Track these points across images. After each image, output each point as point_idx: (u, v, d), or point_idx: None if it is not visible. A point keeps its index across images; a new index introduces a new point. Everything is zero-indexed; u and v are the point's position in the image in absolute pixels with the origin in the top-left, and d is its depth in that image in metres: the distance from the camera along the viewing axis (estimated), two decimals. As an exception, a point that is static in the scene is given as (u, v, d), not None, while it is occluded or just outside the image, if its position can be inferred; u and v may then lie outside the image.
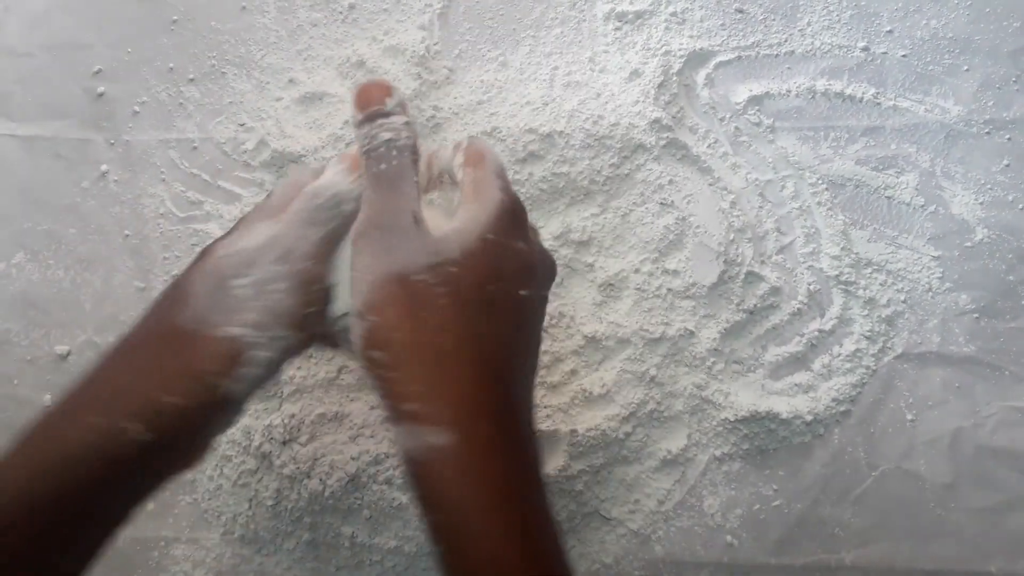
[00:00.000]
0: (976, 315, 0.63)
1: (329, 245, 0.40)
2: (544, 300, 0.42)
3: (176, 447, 0.37)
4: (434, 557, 0.35)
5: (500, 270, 0.38)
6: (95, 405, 0.37)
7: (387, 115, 0.41)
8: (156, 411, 0.36)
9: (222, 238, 0.41)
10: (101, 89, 0.70)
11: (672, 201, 0.65)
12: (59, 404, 0.38)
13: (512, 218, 0.40)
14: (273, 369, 0.39)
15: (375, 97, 0.41)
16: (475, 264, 0.37)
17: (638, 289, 0.63)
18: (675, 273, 0.63)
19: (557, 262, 0.48)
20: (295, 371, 0.63)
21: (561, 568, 0.35)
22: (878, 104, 0.67)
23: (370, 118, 0.41)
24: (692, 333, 0.62)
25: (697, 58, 0.68)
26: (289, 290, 0.38)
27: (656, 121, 0.65)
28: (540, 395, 0.61)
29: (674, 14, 0.69)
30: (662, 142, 0.65)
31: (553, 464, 0.59)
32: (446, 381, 0.35)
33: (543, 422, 0.60)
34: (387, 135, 0.40)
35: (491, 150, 0.42)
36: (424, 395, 0.35)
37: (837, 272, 0.63)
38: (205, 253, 0.40)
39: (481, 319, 0.37)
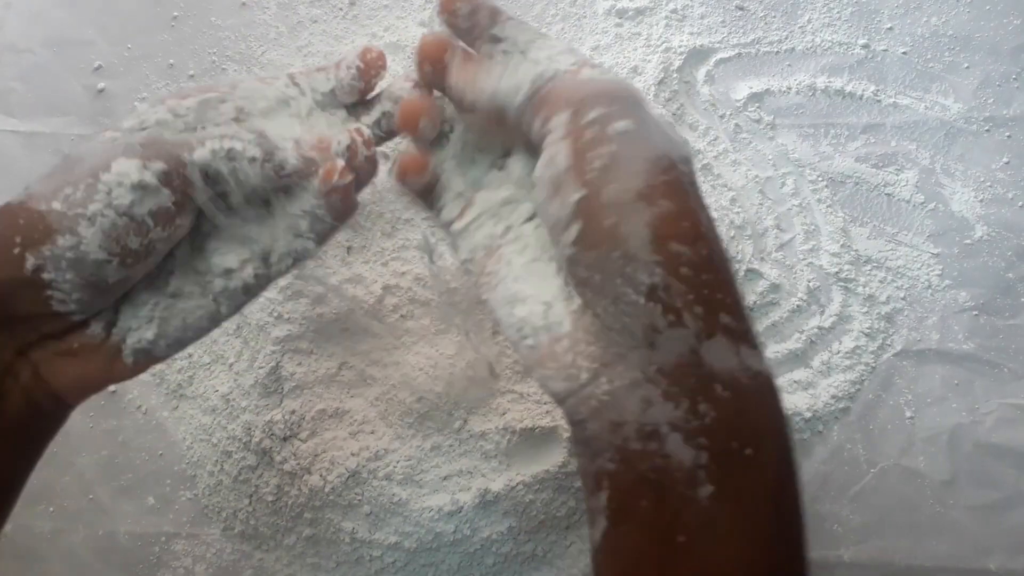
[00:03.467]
0: (975, 312, 0.63)
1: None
2: None
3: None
4: (686, 503, 0.29)
5: None
6: None
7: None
8: None
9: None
10: (101, 85, 0.70)
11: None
12: None
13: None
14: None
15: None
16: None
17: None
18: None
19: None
20: (296, 367, 0.63)
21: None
22: (878, 101, 0.67)
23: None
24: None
25: (697, 55, 0.68)
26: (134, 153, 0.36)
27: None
28: (540, 392, 0.61)
29: (674, 11, 0.69)
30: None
31: (553, 461, 0.59)
32: (742, 305, 0.31)
33: (543, 419, 0.60)
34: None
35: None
36: (737, 310, 0.30)
37: (837, 269, 0.63)
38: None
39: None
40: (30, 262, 0.34)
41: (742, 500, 0.29)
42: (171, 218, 0.37)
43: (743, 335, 0.29)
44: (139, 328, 0.39)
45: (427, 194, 0.41)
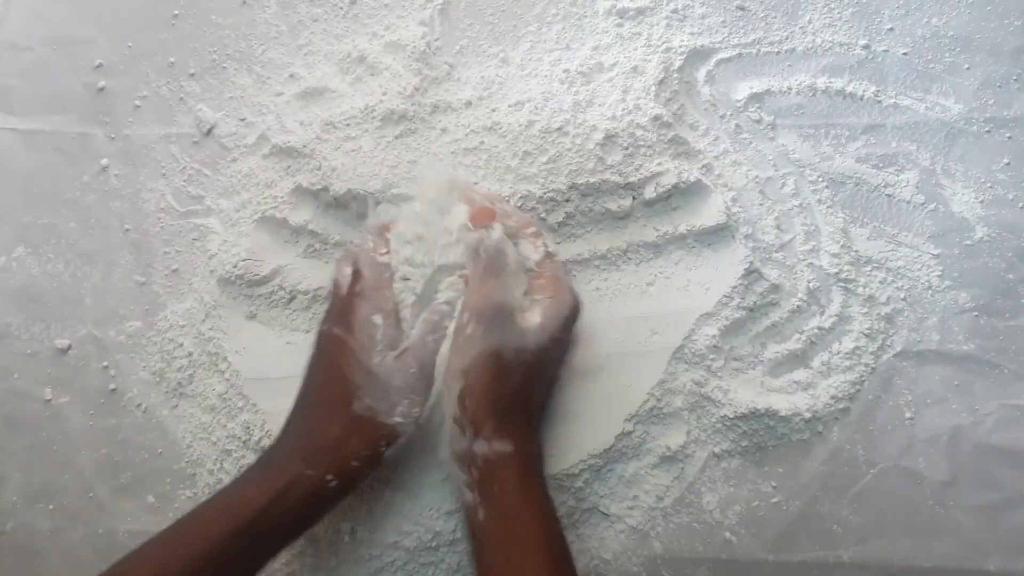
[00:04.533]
0: (975, 313, 0.63)
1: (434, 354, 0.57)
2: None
3: (347, 491, 0.54)
4: (476, 524, 0.52)
5: (557, 357, 0.59)
6: (302, 461, 0.53)
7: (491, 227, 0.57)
8: (346, 469, 0.53)
9: (346, 332, 0.55)
10: (102, 83, 0.70)
11: (671, 197, 0.65)
12: (263, 457, 0.55)
13: (574, 317, 0.57)
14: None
15: (487, 215, 0.57)
16: (543, 355, 0.55)
17: (638, 286, 0.63)
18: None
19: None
20: (294, 366, 0.63)
21: (559, 527, 0.54)
22: (879, 102, 0.67)
23: (481, 222, 0.57)
24: (692, 330, 0.62)
25: (698, 55, 0.68)
26: (423, 386, 0.55)
27: (657, 118, 0.65)
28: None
29: (675, 11, 0.69)
30: (663, 139, 0.64)
31: (552, 461, 0.59)
32: (511, 421, 0.54)
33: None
34: (495, 238, 0.56)
35: (550, 252, 0.60)
36: (497, 427, 0.53)
37: (837, 270, 0.63)
38: (344, 349, 0.55)
39: (536, 386, 0.57)
40: (387, 453, 0.55)
41: (503, 517, 0.52)
42: None
43: (496, 435, 0.53)
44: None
45: None
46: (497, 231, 0.57)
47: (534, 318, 0.55)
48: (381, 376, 0.54)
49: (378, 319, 0.56)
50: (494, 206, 0.59)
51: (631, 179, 0.64)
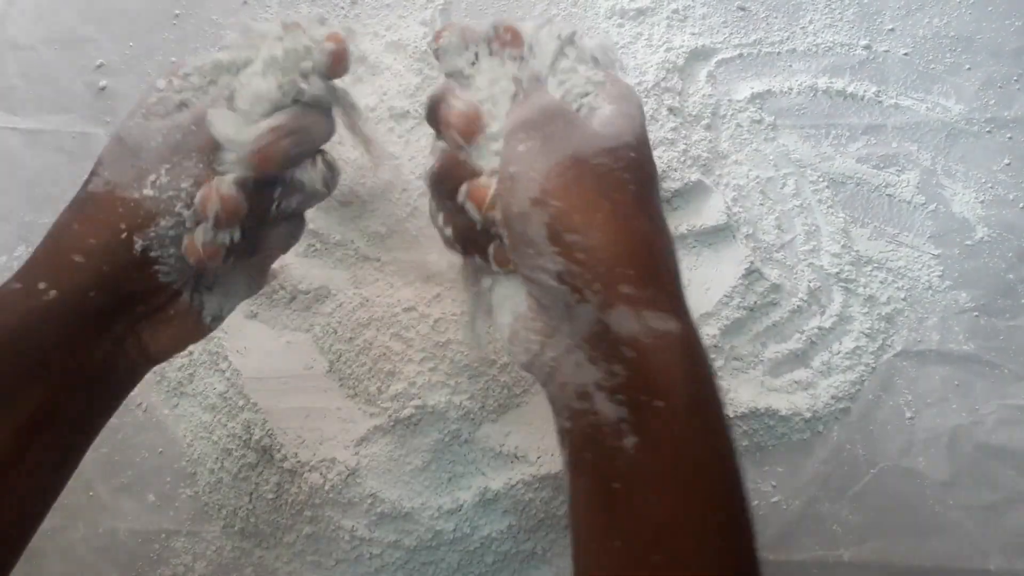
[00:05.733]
0: (976, 313, 0.63)
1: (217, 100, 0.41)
2: None
3: (107, 304, 0.40)
4: (613, 455, 0.33)
5: (652, 160, 0.39)
6: (29, 272, 0.39)
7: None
8: (64, 269, 0.38)
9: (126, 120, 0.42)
10: (103, 83, 0.70)
11: (672, 198, 0.65)
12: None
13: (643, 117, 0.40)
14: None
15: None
16: (646, 151, 0.38)
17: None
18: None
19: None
20: (295, 365, 0.63)
21: (735, 463, 0.34)
22: (879, 102, 0.67)
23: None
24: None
25: (699, 55, 0.68)
26: (194, 153, 0.40)
27: (656, 118, 0.65)
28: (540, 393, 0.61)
29: (676, 11, 0.69)
30: (663, 139, 0.65)
31: (552, 460, 0.60)
32: (660, 269, 0.35)
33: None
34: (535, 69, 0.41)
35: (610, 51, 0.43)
36: (640, 280, 0.34)
37: (837, 269, 0.64)
38: (113, 137, 0.42)
39: (658, 205, 0.38)
40: (138, 244, 0.39)
41: (661, 449, 0.32)
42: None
43: (647, 301, 0.33)
44: (211, 294, 0.45)
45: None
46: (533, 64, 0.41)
47: (602, 111, 0.39)
48: (131, 139, 0.40)
49: (161, 82, 0.43)
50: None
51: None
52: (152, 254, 0.40)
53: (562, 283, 0.34)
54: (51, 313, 0.38)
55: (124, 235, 0.39)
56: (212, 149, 0.40)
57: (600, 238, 0.34)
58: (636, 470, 0.33)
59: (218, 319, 0.46)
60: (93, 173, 0.41)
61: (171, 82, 0.43)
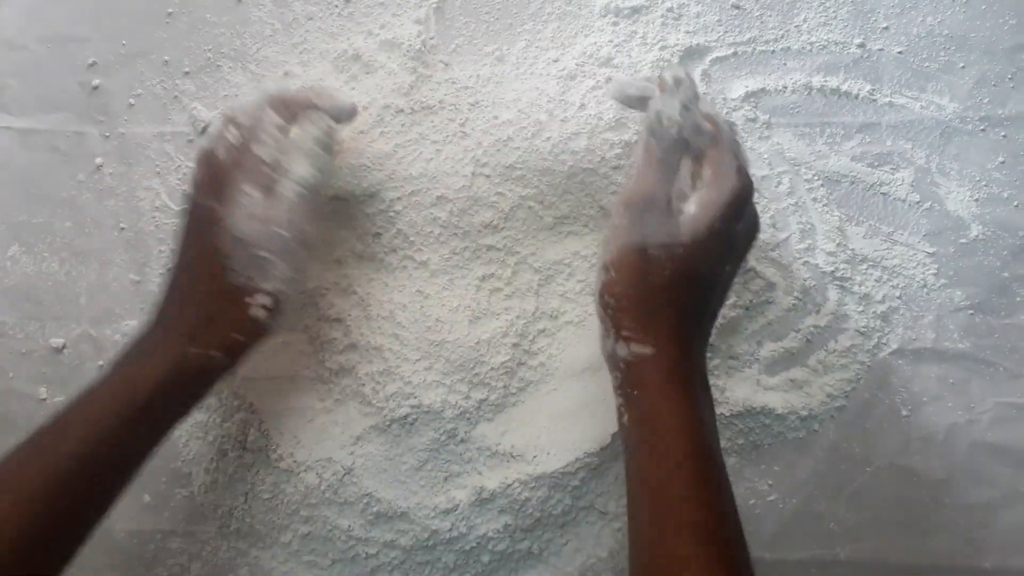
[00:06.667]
0: (971, 311, 0.63)
1: (310, 213, 0.55)
2: (740, 267, 0.55)
3: (235, 362, 0.53)
4: (622, 428, 0.51)
5: (715, 254, 0.52)
6: (182, 339, 0.51)
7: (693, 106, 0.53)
8: (229, 343, 0.52)
9: (212, 200, 0.52)
10: (96, 82, 0.70)
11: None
12: (138, 345, 0.53)
13: (741, 202, 0.51)
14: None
15: (688, 84, 0.53)
16: (697, 250, 0.50)
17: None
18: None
19: (552, 259, 0.62)
20: (290, 365, 0.63)
21: (713, 438, 0.50)
22: (874, 101, 0.67)
23: (685, 101, 0.52)
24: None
25: (693, 53, 0.68)
26: (299, 251, 0.54)
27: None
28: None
29: (670, 9, 0.69)
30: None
31: (551, 459, 0.59)
32: (653, 322, 0.51)
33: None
34: (675, 118, 0.51)
35: (725, 124, 0.53)
36: (637, 328, 0.51)
37: (832, 268, 0.64)
38: (213, 219, 0.52)
39: (689, 288, 0.52)
40: (270, 323, 0.54)
41: (641, 425, 0.50)
42: None
43: (635, 337, 0.50)
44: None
45: None
46: (674, 106, 0.52)
47: (689, 208, 0.51)
48: (251, 242, 0.52)
49: (249, 188, 0.53)
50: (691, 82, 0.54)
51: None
52: (272, 324, 0.54)
53: (602, 321, 0.53)
54: (222, 366, 0.53)
55: (264, 315, 0.52)
56: (303, 252, 0.55)
57: (623, 303, 0.51)
58: (630, 434, 0.51)
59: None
60: (226, 268, 0.52)
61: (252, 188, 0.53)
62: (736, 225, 0.51)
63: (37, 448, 0.48)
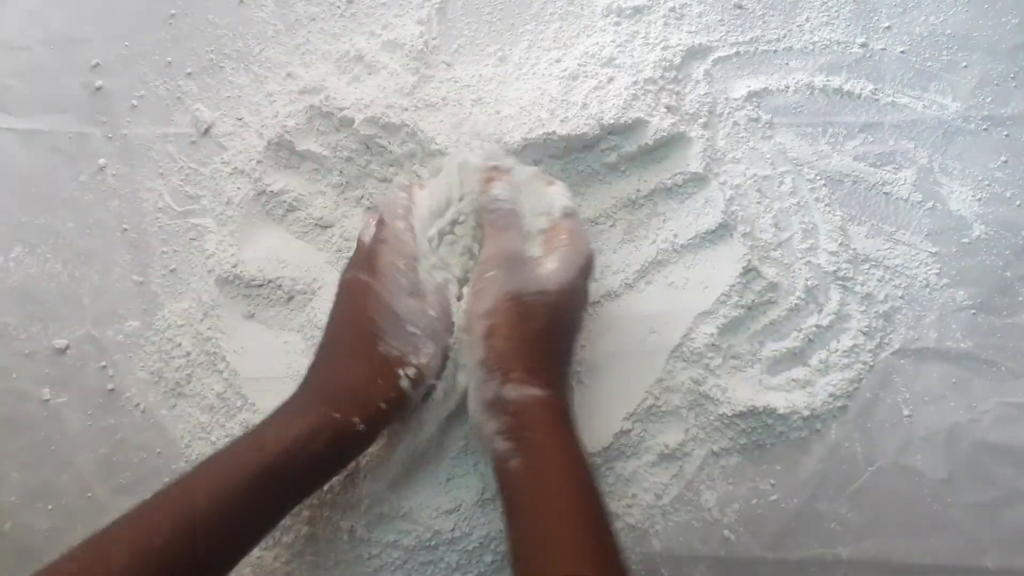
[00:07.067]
0: (973, 311, 0.63)
1: (451, 300, 0.58)
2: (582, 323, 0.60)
3: (372, 436, 0.54)
4: (509, 473, 0.51)
5: (578, 302, 0.57)
6: (324, 404, 0.52)
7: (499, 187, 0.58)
8: (372, 411, 0.53)
9: (371, 277, 0.56)
10: (99, 83, 0.70)
11: (672, 187, 0.65)
12: (286, 404, 0.54)
13: (591, 266, 0.57)
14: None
15: (495, 174, 0.58)
16: (564, 297, 0.55)
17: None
18: (673, 268, 0.63)
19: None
20: (292, 367, 0.63)
21: (594, 471, 0.53)
22: (876, 100, 0.67)
23: (490, 184, 0.58)
24: (690, 328, 0.62)
25: (695, 53, 0.68)
26: (444, 335, 0.57)
27: (653, 116, 0.65)
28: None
29: (673, 9, 0.69)
30: (660, 138, 0.64)
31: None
32: (540, 364, 0.54)
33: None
34: (504, 196, 0.57)
35: (576, 211, 0.59)
36: (527, 368, 0.53)
37: (835, 268, 0.64)
38: (369, 293, 0.55)
39: (562, 332, 0.56)
40: (412, 395, 0.55)
41: (536, 459, 0.51)
42: None
43: (527, 380, 0.52)
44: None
45: None
46: (504, 189, 0.58)
47: (551, 264, 0.55)
48: (405, 317, 0.55)
49: (401, 264, 0.56)
50: (507, 166, 0.60)
51: (627, 178, 0.64)
52: (415, 397, 0.56)
53: (481, 366, 0.53)
54: (360, 438, 0.53)
55: (409, 386, 0.54)
56: (448, 333, 0.57)
57: (508, 343, 0.53)
58: (521, 477, 0.51)
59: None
60: (378, 338, 0.54)
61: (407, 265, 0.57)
62: (588, 282, 0.58)
63: (164, 499, 0.50)
